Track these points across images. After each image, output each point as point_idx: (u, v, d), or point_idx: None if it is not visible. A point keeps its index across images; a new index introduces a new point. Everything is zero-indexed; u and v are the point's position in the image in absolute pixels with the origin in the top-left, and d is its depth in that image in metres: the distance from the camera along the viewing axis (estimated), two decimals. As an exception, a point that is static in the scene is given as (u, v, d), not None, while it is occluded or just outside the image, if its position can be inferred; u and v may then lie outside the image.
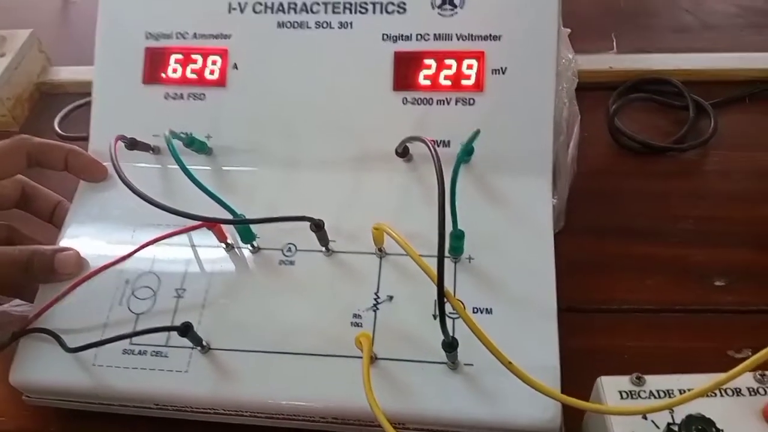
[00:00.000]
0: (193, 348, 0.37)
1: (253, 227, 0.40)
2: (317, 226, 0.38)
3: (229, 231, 0.40)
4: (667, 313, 0.44)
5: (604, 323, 0.44)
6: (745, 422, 0.31)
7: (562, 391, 0.36)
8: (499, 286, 0.38)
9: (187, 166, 0.39)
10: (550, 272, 0.39)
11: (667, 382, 0.32)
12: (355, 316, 0.38)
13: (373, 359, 0.36)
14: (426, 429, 0.36)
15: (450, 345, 0.34)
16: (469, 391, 0.35)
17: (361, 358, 0.36)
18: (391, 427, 0.29)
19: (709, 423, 0.28)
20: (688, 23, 0.67)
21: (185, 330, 0.35)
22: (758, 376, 0.32)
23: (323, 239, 0.39)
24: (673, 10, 0.68)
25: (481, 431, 0.35)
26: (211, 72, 0.44)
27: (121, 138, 0.41)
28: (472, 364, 0.36)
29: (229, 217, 0.38)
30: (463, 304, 0.38)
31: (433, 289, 0.34)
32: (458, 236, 0.37)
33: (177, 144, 0.40)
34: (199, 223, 0.38)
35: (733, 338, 0.42)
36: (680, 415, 0.30)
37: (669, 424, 0.30)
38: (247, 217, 0.39)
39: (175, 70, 0.45)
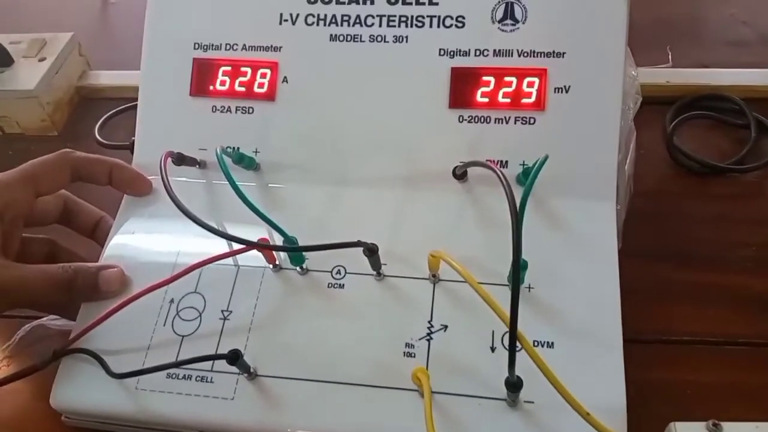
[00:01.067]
0: (239, 374, 0.36)
1: (302, 249, 0.39)
2: (371, 251, 0.36)
3: (279, 253, 0.39)
4: (730, 346, 0.42)
5: (664, 355, 0.42)
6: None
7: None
8: (561, 317, 0.37)
9: (239, 183, 0.38)
10: (615, 302, 0.37)
11: (744, 428, 0.30)
12: (407, 345, 0.36)
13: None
14: (481, 468, 0.35)
15: (515, 385, 0.32)
16: (529, 430, 0.34)
17: (416, 391, 0.35)
18: None
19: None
20: (745, 36, 0.64)
21: (234, 358, 0.34)
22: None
23: (376, 264, 0.37)
24: (728, 22, 0.66)
25: (540, 473, 0.34)
26: (260, 85, 0.43)
27: (170, 154, 0.40)
28: (533, 402, 0.34)
29: (279, 237, 0.37)
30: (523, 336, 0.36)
31: (491, 319, 0.33)
32: (522, 267, 0.36)
33: (226, 161, 0.38)
34: (251, 246, 0.36)
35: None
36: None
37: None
38: (297, 237, 0.38)
39: (223, 83, 0.43)
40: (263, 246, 0.36)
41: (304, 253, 0.38)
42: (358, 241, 0.35)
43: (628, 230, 0.47)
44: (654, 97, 0.56)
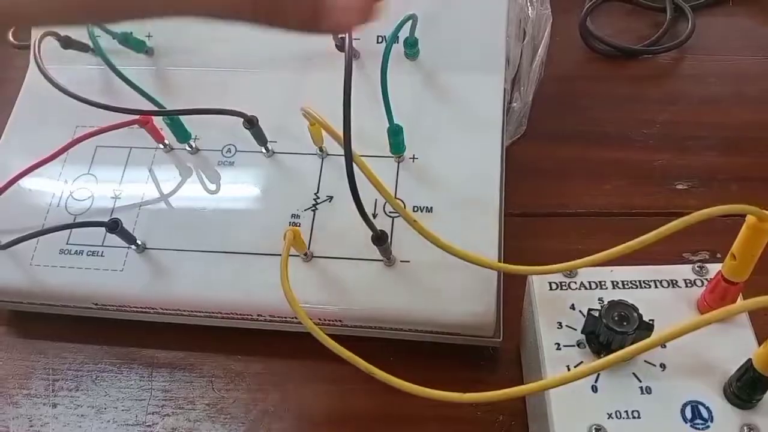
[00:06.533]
0: (129, 247, 0.37)
1: (193, 128, 0.39)
2: (250, 123, 0.36)
3: (166, 132, 0.39)
4: (624, 217, 0.43)
5: (557, 228, 0.43)
6: (680, 313, 0.30)
7: (507, 296, 0.36)
8: (442, 185, 0.37)
9: (128, 67, 0.38)
10: (495, 172, 0.38)
11: (599, 273, 0.31)
12: (293, 216, 0.37)
13: (309, 257, 0.36)
14: (363, 326, 0.36)
15: (379, 239, 0.33)
16: (405, 286, 0.35)
17: (298, 256, 0.36)
18: (308, 319, 0.29)
19: (632, 309, 0.28)
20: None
21: (114, 226, 0.34)
22: (696, 269, 0.31)
23: (260, 137, 0.38)
24: None
25: (416, 326, 0.35)
26: (149, -33, 0.42)
27: (53, 35, 0.39)
28: (408, 261, 0.35)
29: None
30: (403, 202, 0.37)
31: (374, 189, 0.34)
32: (395, 132, 0.36)
33: (113, 43, 0.38)
34: (131, 119, 0.37)
35: (691, 241, 0.41)
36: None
37: (590, 310, 0.29)
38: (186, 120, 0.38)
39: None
40: (136, 111, 0.36)
41: (191, 132, 0.39)
42: (235, 110, 0.36)
43: (537, 114, 0.47)
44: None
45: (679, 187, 0.44)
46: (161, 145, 0.40)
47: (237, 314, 0.36)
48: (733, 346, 0.28)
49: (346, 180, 0.37)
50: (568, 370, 0.28)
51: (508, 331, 0.36)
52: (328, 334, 0.28)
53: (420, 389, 0.24)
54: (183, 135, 0.38)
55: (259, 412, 0.36)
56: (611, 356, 0.23)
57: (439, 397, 0.24)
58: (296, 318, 0.36)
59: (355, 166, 0.31)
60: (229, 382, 0.37)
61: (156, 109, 0.37)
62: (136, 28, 0.42)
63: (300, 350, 0.35)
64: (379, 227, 0.33)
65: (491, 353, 0.37)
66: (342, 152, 0.35)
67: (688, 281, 0.31)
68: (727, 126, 0.47)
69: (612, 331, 0.27)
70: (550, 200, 0.44)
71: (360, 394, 0.36)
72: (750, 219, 0.25)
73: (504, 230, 0.39)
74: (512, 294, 0.35)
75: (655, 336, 0.23)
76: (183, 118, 0.38)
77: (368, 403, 0.36)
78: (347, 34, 0.31)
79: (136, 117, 0.36)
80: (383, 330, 0.36)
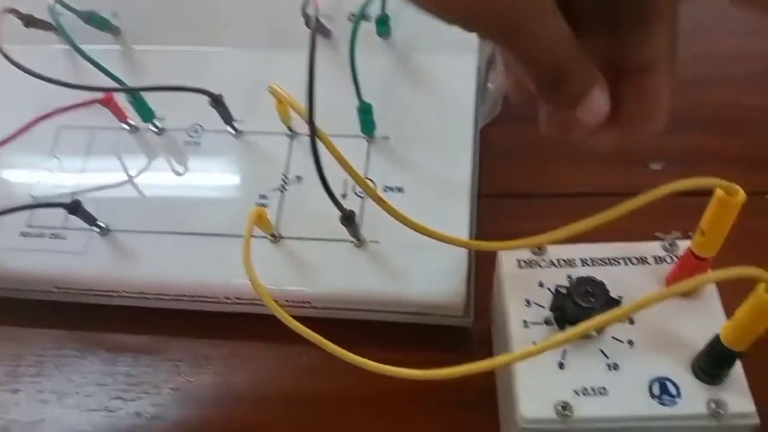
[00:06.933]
0: (91, 229, 0.36)
1: (159, 108, 0.38)
2: (216, 101, 0.35)
3: (130, 111, 0.38)
4: (600, 197, 0.42)
5: (533, 209, 0.42)
6: (649, 289, 0.29)
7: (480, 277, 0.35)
8: (414, 165, 0.37)
9: (93, 45, 0.37)
10: (467, 152, 0.37)
11: (568, 251, 0.31)
12: (261, 196, 0.36)
13: (277, 238, 0.35)
14: (333, 308, 0.35)
15: (347, 219, 0.32)
16: (375, 267, 0.34)
17: (265, 237, 0.35)
18: (271, 299, 0.28)
19: (600, 285, 0.27)
20: None
21: (74, 207, 0.33)
22: (667, 246, 0.31)
23: (226, 116, 0.37)
24: None
25: (386, 307, 0.34)
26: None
27: (14, 12, 0.38)
28: (378, 242, 0.35)
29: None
30: (374, 182, 0.36)
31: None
32: (365, 110, 0.35)
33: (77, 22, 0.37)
34: (92, 98, 0.36)
35: (664, 221, 0.41)
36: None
37: (558, 287, 0.28)
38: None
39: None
40: (96, 89, 0.35)
41: (155, 110, 0.38)
42: (201, 88, 0.35)
43: (513, 95, 0.47)
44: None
45: (655, 167, 0.43)
46: (126, 126, 0.39)
47: (203, 297, 0.36)
48: (702, 322, 0.28)
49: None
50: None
51: (480, 312, 0.35)
52: (297, 317, 0.27)
53: (378, 366, 0.24)
54: (146, 113, 0.37)
55: (226, 396, 0.35)
56: (576, 329, 0.22)
57: (397, 373, 0.23)
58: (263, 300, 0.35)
59: (322, 145, 0.30)
60: (195, 365, 0.36)
61: (116, 86, 0.36)
62: (101, 6, 0.41)
63: (267, 333, 0.34)
64: (349, 208, 0.32)
65: (464, 334, 0.37)
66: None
67: (657, 258, 0.31)
68: (704, 107, 0.46)
69: (579, 308, 0.26)
70: (525, 181, 0.43)
71: (327, 376, 0.35)
72: (718, 193, 0.25)
73: (479, 211, 0.39)
74: (485, 275, 0.35)
75: (620, 308, 0.22)
76: (148, 98, 0.37)
77: (336, 384, 0.35)
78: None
79: (98, 96, 0.35)
80: (354, 311, 0.35)
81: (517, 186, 0.43)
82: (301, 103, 0.33)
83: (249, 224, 0.30)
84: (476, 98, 0.39)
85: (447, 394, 0.35)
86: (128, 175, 0.38)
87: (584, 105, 0.23)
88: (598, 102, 0.23)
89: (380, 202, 0.29)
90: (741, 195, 0.24)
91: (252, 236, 0.34)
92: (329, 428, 0.35)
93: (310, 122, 0.27)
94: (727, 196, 0.24)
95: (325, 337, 0.34)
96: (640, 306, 0.22)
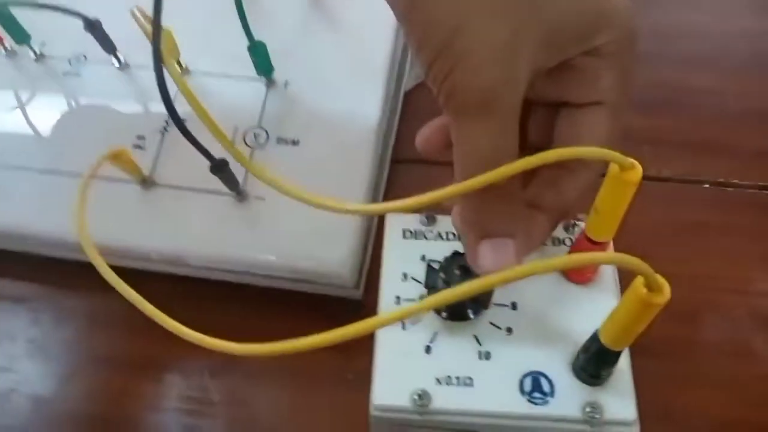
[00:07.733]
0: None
1: (39, 32, 0.34)
2: (91, 26, 0.31)
3: (6, 35, 0.34)
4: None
5: (448, 179, 0.39)
6: (542, 273, 0.26)
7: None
8: (314, 118, 0.33)
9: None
10: (375, 111, 0.33)
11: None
12: (138, 137, 0.33)
13: (149, 183, 0.32)
14: (209, 267, 0.32)
15: (217, 167, 0.28)
16: (256, 226, 0.31)
17: (132, 183, 0.31)
18: (92, 247, 0.24)
19: (476, 262, 0.24)
20: None
21: None
22: (569, 227, 0.28)
23: (107, 45, 0.33)
24: None
25: (267, 271, 0.31)
26: None
27: None
28: (263, 198, 0.31)
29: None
30: (267, 132, 0.33)
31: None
32: (256, 51, 0.32)
33: None
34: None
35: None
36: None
37: (431, 262, 0.25)
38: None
39: None
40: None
41: (30, 33, 0.34)
42: (74, 10, 0.31)
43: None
44: None
45: (589, 146, 0.40)
46: (2, 49, 0.34)
47: (65, 244, 0.32)
48: (593, 314, 0.24)
49: (207, 102, 0.33)
50: (403, 326, 0.25)
51: (375, 285, 0.32)
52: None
53: (192, 334, 0.20)
54: (19, 34, 0.33)
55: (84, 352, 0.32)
56: (426, 300, 0.18)
57: (212, 345, 0.20)
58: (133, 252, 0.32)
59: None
60: (56, 318, 0.33)
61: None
62: None
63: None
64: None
65: (357, 308, 0.34)
66: (207, 70, 0.31)
67: (555, 240, 0.27)
68: (646, 86, 0.43)
69: (447, 286, 0.23)
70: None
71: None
72: (612, 168, 0.22)
73: (390, 178, 0.35)
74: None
75: (478, 281, 0.18)
76: (25, 20, 0.33)
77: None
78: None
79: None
80: (232, 273, 0.32)
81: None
82: (189, 36, 0.29)
83: (96, 163, 0.26)
84: (395, 53, 0.35)
85: (327, 371, 0.32)
86: (-2, 104, 0.34)
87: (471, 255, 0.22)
88: (482, 258, 0.21)
89: (240, 157, 0.25)
90: (637, 171, 0.21)
91: (119, 181, 0.31)
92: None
93: (155, 52, 0.23)
94: (621, 172, 0.21)
95: (196, 301, 0.31)
96: (501, 281, 0.18)
